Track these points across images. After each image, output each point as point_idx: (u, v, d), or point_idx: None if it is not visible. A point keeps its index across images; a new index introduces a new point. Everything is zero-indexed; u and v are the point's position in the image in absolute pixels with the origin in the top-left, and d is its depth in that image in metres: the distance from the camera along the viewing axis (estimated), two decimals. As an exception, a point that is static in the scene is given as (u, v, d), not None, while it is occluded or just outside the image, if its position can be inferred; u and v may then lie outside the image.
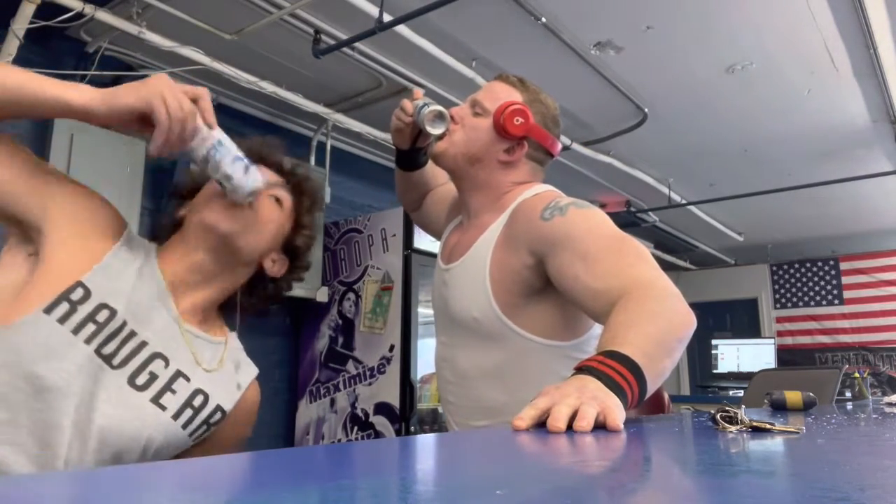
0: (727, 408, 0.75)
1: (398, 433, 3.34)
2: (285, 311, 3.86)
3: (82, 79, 2.93)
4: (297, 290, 3.44)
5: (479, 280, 1.22)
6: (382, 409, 3.43)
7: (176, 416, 0.96)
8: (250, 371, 1.11)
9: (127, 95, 0.89)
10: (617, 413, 0.72)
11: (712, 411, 0.78)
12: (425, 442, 0.74)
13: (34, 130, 2.90)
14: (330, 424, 3.61)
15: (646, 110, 3.76)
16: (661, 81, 3.49)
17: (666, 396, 2.84)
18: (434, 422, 3.69)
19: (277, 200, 1.10)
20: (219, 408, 1.02)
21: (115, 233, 1.01)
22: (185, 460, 0.59)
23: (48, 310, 0.88)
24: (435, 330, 1.41)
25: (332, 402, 3.63)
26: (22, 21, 2.39)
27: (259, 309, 1.15)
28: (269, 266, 1.12)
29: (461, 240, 1.33)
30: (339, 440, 3.53)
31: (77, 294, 0.91)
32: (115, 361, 0.93)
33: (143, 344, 0.96)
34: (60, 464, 0.87)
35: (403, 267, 3.52)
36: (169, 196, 1.16)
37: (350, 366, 3.60)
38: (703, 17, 2.89)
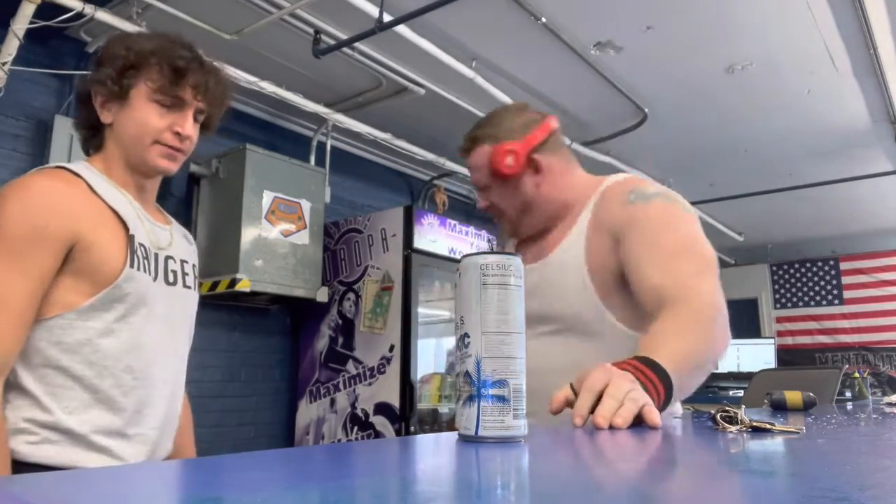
0: (727, 408, 0.75)
1: (398, 433, 3.34)
2: (285, 311, 3.86)
3: (82, 79, 2.93)
4: (298, 290, 3.44)
5: (576, 273, 1.19)
6: (382, 409, 3.43)
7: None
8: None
9: None
10: (657, 413, 0.76)
11: (712, 411, 0.78)
12: (425, 442, 0.74)
13: (34, 130, 2.90)
14: (330, 424, 3.61)
15: (646, 110, 3.76)
16: (661, 81, 3.49)
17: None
18: (434, 422, 3.69)
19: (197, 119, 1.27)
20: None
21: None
22: (185, 460, 0.59)
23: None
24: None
25: (332, 402, 3.63)
26: (22, 21, 2.40)
27: None
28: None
29: (544, 239, 1.31)
30: (339, 440, 3.53)
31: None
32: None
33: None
34: None
35: (403, 267, 3.52)
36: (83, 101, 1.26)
37: (350, 366, 3.60)
38: (703, 17, 2.90)
